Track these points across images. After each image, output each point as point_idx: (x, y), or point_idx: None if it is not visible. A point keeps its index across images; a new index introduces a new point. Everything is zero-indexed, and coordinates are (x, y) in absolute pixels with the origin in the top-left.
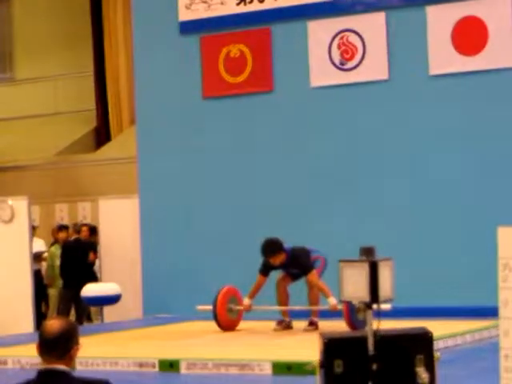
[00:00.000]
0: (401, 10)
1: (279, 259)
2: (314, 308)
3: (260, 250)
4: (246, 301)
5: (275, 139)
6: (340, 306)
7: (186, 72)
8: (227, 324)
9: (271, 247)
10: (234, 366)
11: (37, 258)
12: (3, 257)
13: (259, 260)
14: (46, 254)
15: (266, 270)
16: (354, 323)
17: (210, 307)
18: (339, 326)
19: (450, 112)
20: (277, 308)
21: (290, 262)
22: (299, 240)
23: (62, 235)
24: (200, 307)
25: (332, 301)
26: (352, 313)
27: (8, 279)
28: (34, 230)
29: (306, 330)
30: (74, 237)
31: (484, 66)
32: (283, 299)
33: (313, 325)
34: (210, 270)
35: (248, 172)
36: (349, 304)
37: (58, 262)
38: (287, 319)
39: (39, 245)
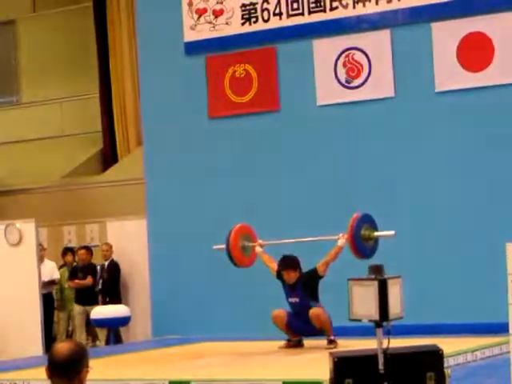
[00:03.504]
0: (406, 28)
1: (291, 276)
2: (329, 327)
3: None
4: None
5: (282, 158)
6: (344, 240)
7: (192, 92)
8: (242, 261)
9: (288, 261)
10: None
11: (49, 284)
12: (12, 280)
13: (267, 281)
14: (57, 275)
15: (280, 270)
16: (360, 251)
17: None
18: (355, 344)
19: (456, 128)
20: (290, 241)
21: (301, 280)
22: (303, 264)
23: (67, 258)
24: (216, 246)
25: (340, 243)
26: (357, 242)
27: (17, 302)
28: (43, 251)
29: (327, 349)
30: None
31: (490, 82)
32: (286, 327)
33: (332, 342)
34: (219, 292)
35: (254, 192)
36: (353, 234)
37: (66, 285)
38: (295, 338)
39: (50, 267)
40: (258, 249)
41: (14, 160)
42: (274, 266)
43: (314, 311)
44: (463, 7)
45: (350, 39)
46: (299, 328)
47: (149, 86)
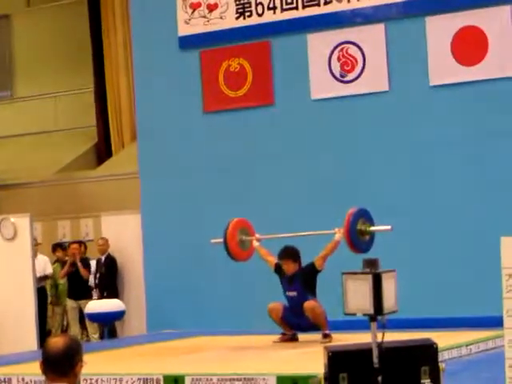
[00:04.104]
0: (400, 21)
1: (290, 267)
2: (323, 321)
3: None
4: (258, 236)
5: (276, 152)
6: (340, 234)
7: (187, 87)
8: (239, 255)
9: (288, 252)
10: (238, 381)
11: (43, 278)
12: (6, 274)
13: (263, 275)
14: (50, 270)
15: (279, 261)
16: (356, 246)
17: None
18: (350, 338)
19: (450, 122)
20: (287, 235)
21: (300, 274)
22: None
23: (57, 254)
24: (213, 240)
25: (336, 237)
26: (353, 237)
27: (11, 297)
28: (37, 246)
29: (322, 343)
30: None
31: (484, 76)
32: (281, 320)
33: (327, 337)
34: (214, 286)
35: (249, 185)
36: (349, 228)
37: (60, 281)
38: (289, 333)
39: (43, 262)
40: (256, 243)
41: (9, 154)
42: (272, 259)
43: (308, 303)
44: (457, 1)
45: (345, 33)
46: (295, 322)
47: (143, 81)
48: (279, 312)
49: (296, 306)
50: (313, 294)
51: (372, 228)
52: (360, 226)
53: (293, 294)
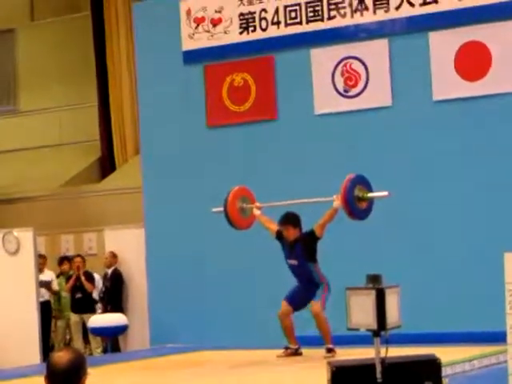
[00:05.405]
0: (404, 37)
1: (290, 233)
2: (327, 335)
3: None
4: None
5: (279, 167)
6: (338, 202)
7: (190, 101)
8: (240, 223)
9: (288, 218)
10: None
11: (44, 285)
12: (10, 288)
13: (266, 289)
14: (55, 286)
15: (280, 227)
16: (353, 212)
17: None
18: (353, 353)
19: (453, 138)
20: (287, 203)
21: (300, 241)
22: None
23: (64, 267)
24: (214, 209)
25: (335, 205)
26: (350, 203)
27: (15, 311)
28: (44, 260)
29: (325, 357)
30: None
31: (488, 91)
32: (290, 329)
33: (331, 351)
34: (217, 300)
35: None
36: (346, 195)
37: (63, 294)
38: (294, 347)
39: (48, 275)
40: (256, 211)
41: (12, 169)
42: (274, 227)
43: (314, 307)
44: (461, 16)
45: (348, 48)
46: (302, 302)
47: (147, 95)
48: (290, 313)
49: (297, 274)
50: (313, 260)
51: (369, 194)
52: (357, 193)
53: (293, 262)
